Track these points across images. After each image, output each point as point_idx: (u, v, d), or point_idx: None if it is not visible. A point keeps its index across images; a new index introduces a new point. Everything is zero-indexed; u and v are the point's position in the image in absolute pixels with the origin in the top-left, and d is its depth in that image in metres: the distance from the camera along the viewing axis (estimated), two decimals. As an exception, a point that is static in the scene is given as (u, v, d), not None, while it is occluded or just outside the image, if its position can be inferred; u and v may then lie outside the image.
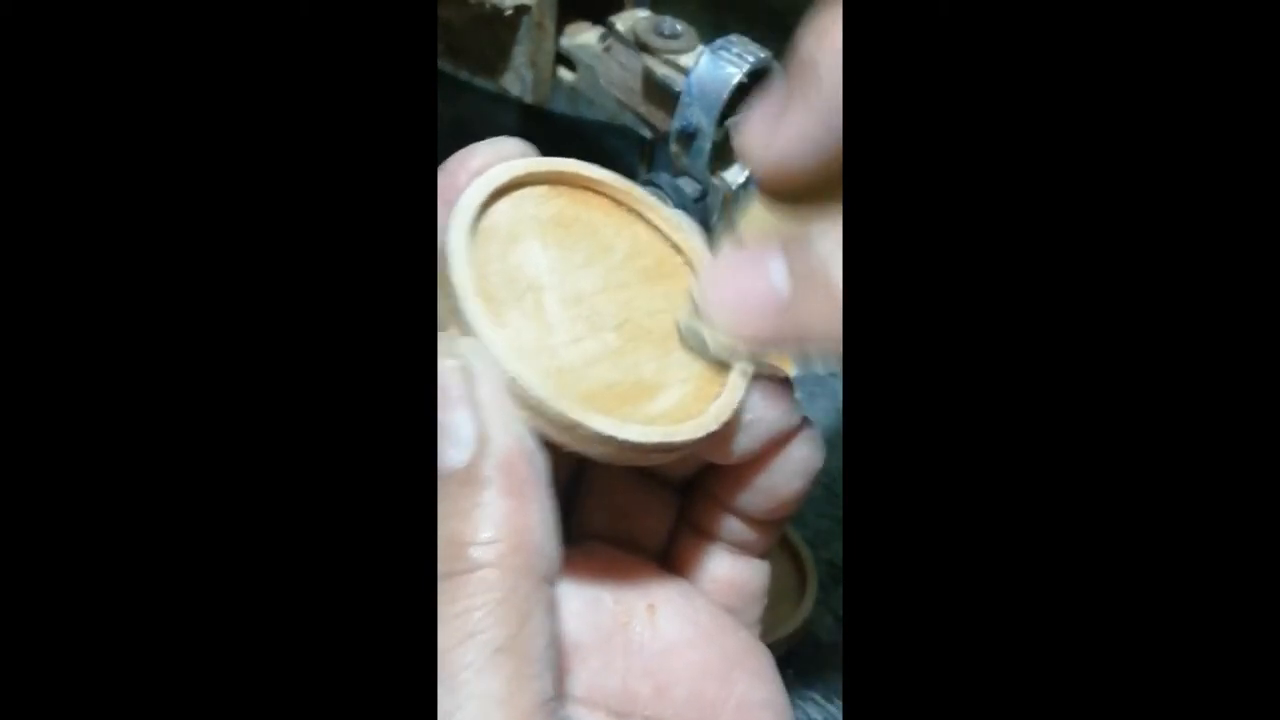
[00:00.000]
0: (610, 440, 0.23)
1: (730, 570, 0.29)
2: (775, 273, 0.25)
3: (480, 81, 0.56)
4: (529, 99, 0.55)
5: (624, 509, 0.29)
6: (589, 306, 0.25)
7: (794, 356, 0.26)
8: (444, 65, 0.56)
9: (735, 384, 0.26)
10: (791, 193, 0.26)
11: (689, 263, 0.27)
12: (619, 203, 0.27)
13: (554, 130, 0.58)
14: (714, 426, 0.25)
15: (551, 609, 0.23)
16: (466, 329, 0.23)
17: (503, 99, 0.56)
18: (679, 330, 0.26)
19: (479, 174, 0.25)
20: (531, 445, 0.23)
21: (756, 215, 0.27)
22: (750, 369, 0.26)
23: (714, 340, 0.26)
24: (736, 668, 0.28)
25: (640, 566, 0.29)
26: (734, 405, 0.25)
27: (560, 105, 0.57)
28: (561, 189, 0.27)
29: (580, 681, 0.27)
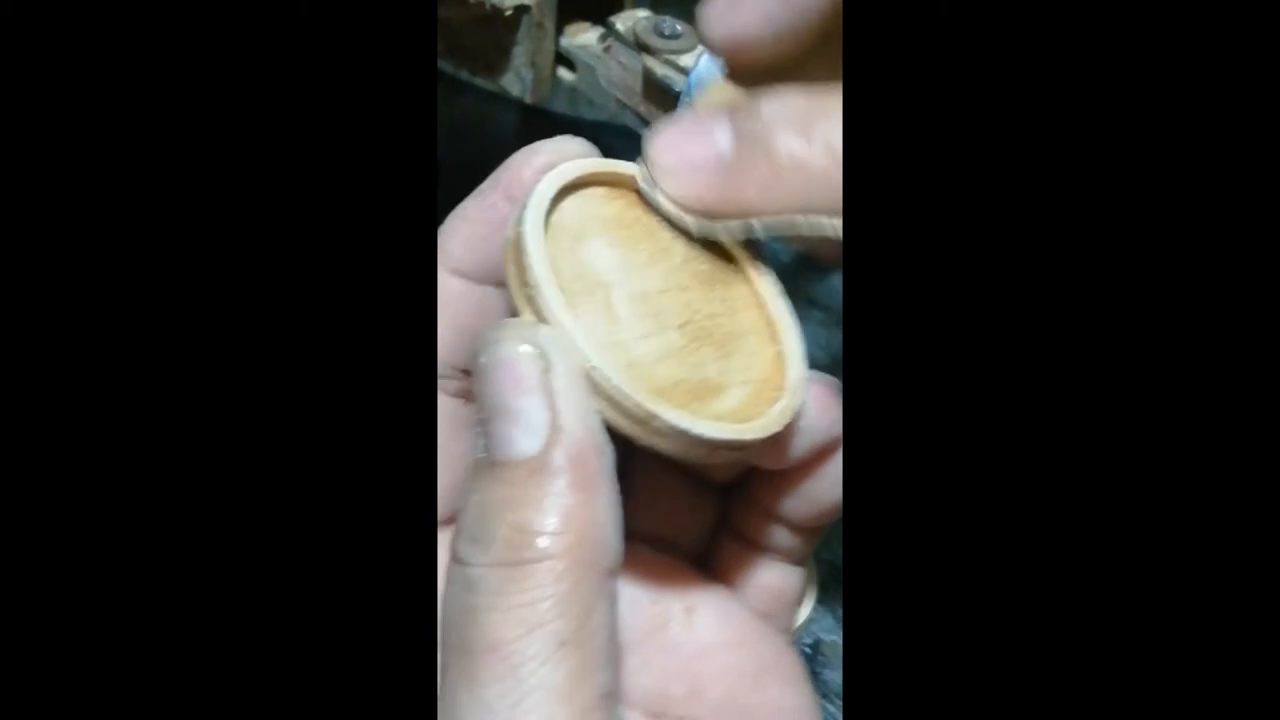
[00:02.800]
0: (682, 434, 0.24)
1: (770, 576, 0.29)
2: (720, 135, 0.25)
3: (480, 81, 0.56)
4: (529, 99, 0.55)
5: (666, 511, 0.29)
6: (654, 305, 0.26)
7: (739, 225, 0.26)
8: (444, 65, 0.56)
9: (795, 388, 0.26)
10: (752, 72, 0.27)
11: (742, 270, 0.27)
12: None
13: (554, 130, 0.58)
14: (777, 428, 0.25)
15: (614, 603, 0.23)
16: (544, 317, 0.24)
17: (503, 99, 0.56)
18: (641, 187, 0.27)
19: (544, 170, 0.26)
20: (603, 438, 0.23)
21: (717, 91, 0.28)
22: (808, 375, 0.26)
23: (665, 201, 0.26)
24: (770, 673, 0.28)
25: (679, 569, 0.29)
26: (795, 408, 0.26)
27: (560, 105, 0.57)
28: (622, 190, 0.27)
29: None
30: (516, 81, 0.55)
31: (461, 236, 0.27)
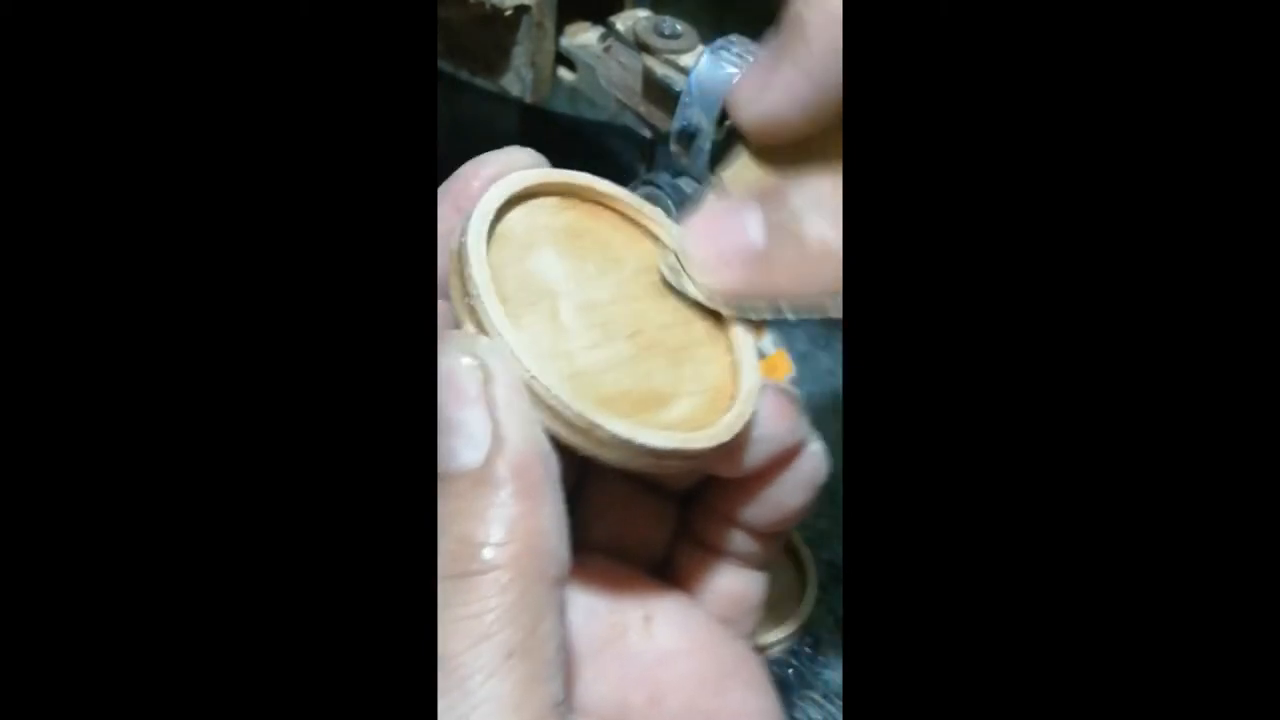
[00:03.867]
0: (626, 444, 0.24)
1: (730, 582, 0.29)
2: (751, 224, 0.26)
3: (480, 81, 0.56)
4: (529, 99, 0.55)
5: (623, 520, 0.29)
6: (603, 315, 0.26)
7: (768, 308, 0.27)
8: (444, 65, 0.56)
9: (746, 398, 0.26)
10: (777, 149, 0.27)
11: (694, 280, 0.27)
12: (627, 218, 0.28)
13: (554, 130, 0.58)
14: (726, 437, 0.25)
15: (562, 613, 0.23)
16: (484, 328, 0.24)
17: (503, 99, 0.56)
18: (664, 278, 0.27)
19: (492, 181, 0.26)
20: (546, 447, 0.23)
21: (742, 170, 0.28)
22: (761, 384, 0.26)
23: (695, 289, 0.26)
24: (731, 678, 0.28)
25: (637, 577, 0.29)
26: (745, 418, 0.26)
27: (560, 105, 0.57)
28: (573, 200, 0.27)
29: (575, 691, 0.27)
30: (516, 81, 0.55)
31: None
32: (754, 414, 0.26)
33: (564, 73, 0.55)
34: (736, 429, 0.25)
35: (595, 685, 0.27)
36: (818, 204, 0.25)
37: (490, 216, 0.25)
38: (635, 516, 0.29)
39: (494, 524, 0.22)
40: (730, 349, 0.27)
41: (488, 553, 0.22)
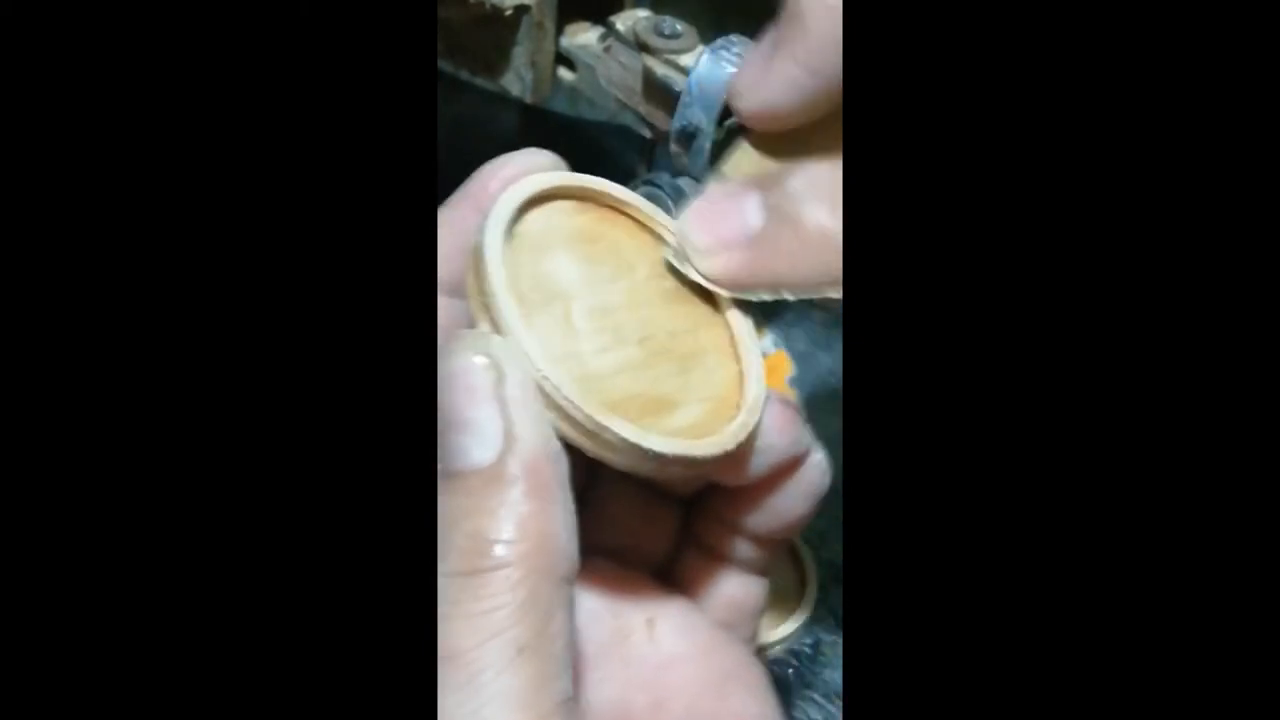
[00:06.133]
0: (633, 448, 0.24)
1: (732, 587, 0.30)
2: (750, 209, 0.26)
3: (480, 81, 0.56)
4: (529, 99, 0.55)
5: (626, 524, 0.29)
6: (614, 320, 0.26)
7: (768, 292, 0.27)
8: (444, 65, 0.56)
9: (752, 407, 0.26)
10: (776, 138, 0.27)
11: (706, 289, 0.27)
12: (640, 224, 0.28)
13: (554, 130, 0.58)
14: (730, 446, 0.25)
15: (571, 611, 0.23)
16: (499, 327, 0.24)
17: (503, 99, 0.56)
18: (671, 272, 0.27)
19: (511, 182, 0.26)
20: (557, 447, 0.23)
21: (742, 158, 0.28)
22: (766, 394, 0.27)
23: (696, 274, 0.27)
24: (732, 682, 0.28)
25: (640, 581, 0.29)
26: (750, 427, 0.26)
27: (560, 105, 0.57)
28: (588, 205, 0.27)
29: (578, 694, 0.27)
30: (516, 81, 0.55)
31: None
32: (758, 424, 0.26)
33: (564, 73, 0.55)
34: (741, 438, 0.25)
35: (598, 689, 0.27)
36: (816, 190, 0.25)
37: (508, 217, 0.25)
38: (639, 521, 0.29)
39: (505, 521, 0.22)
40: (737, 358, 0.27)
41: (499, 549, 0.22)
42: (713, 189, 0.28)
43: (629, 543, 0.29)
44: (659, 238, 0.28)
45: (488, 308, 0.24)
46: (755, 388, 0.26)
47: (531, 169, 0.27)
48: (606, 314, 0.26)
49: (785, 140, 0.27)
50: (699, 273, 0.27)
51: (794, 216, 0.25)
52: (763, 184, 0.26)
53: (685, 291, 0.28)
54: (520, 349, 0.23)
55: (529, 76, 0.54)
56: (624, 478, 0.26)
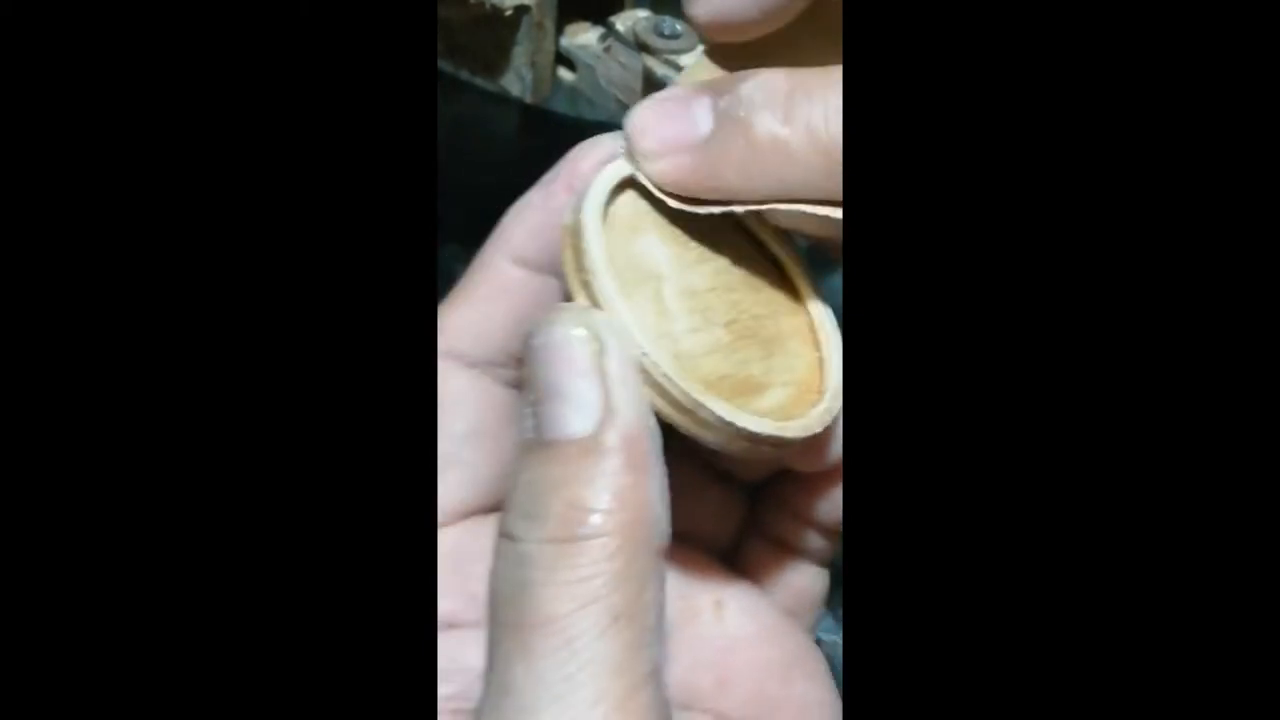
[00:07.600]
0: (727, 426, 0.24)
1: (797, 577, 0.30)
2: (700, 113, 0.26)
3: (480, 81, 0.56)
4: (529, 99, 0.55)
5: (695, 508, 0.29)
6: (702, 301, 0.26)
7: (716, 202, 0.26)
8: (444, 65, 0.56)
9: (834, 392, 0.26)
10: (734, 50, 0.27)
11: (788, 276, 0.28)
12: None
13: (554, 130, 0.58)
14: (818, 429, 0.26)
15: (663, 582, 0.23)
16: (598, 303, 0.24)
17: (503, 99, 0.56)
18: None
19: (602, 163, 0.26)
20: (654, 422, 0.23)
21: (698, 68, 0.28)
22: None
23: (648, 182, 0.26)
24: (797, 668, 0.29)
25: (708, 563, 0.29)
26: (834, 412, 0.26)
27: (560, 105, 0.57)
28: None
29: None
30: (516, 81, 0.55)
31: (524, 225, 0.27)
32: (840, 410, 0.26)
33: (564, 73, 0.55)
34: (827, 421, 0.26)
35: (666, 667, 0.27)
36: (769, 95, 0.25)
37: (606, 195, 0.25)
38: (707, 505, 0.30)
39: (603, 491, 0.22)
40: (816, 345, 0.27)
41: (596, 518, 0.22)
42: (663, 92, 0.27)
43: (696, 527, 0.29)
44: (739, 225, 0.28)
45: (586, 285, 0.24)
46: (836, 375, 0.27)
47: (621, 152, 0.27)
48: (695, 296, 0.26)
49: (743, 52, 0.27)
50: (645, 177, 0.26)
51: (744, 122, 0.25)
52: (715, 89, 0.26)
53: (767, 278, 0.28)
54: (621, 325, 0.24)
55: (529, 76, 0.54)
56: (692, 461, 0.26)
